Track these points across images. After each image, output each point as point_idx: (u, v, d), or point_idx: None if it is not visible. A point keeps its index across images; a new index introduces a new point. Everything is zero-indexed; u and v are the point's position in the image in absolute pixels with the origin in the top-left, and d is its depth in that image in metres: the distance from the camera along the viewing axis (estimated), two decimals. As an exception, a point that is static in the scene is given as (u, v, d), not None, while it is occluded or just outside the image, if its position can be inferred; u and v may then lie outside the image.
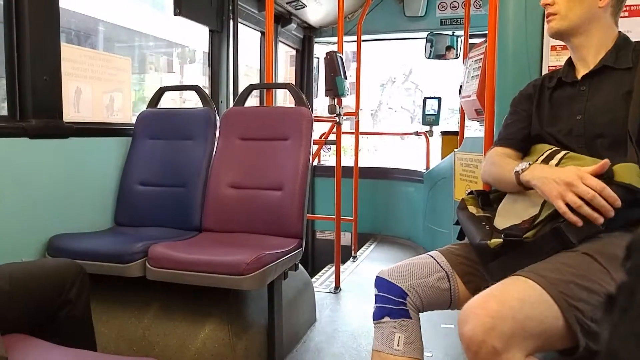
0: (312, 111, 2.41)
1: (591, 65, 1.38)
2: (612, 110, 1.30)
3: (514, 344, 0.98)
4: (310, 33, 4.96)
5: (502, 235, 1.25)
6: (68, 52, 2.25)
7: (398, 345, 1.26)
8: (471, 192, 1.53)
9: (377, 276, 1.37)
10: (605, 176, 1.13)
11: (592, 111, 1.35)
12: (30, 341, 1.22)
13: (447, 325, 2.61)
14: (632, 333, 0.30)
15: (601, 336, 0.31)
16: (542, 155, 1.37)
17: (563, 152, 1.32)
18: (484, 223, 1.39)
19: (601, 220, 1.09)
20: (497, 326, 0.97)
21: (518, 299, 1.02)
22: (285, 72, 5.58)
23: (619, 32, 1.39)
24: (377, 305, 1.33)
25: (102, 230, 2.31)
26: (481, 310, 1.00)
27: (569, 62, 1.46)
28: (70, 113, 2.28)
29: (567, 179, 1.11)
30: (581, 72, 1.41)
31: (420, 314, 1.34)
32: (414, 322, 1.30)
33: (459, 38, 4.53)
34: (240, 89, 2.88)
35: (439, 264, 1.37)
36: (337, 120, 3.22)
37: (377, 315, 1.32)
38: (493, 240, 1.27)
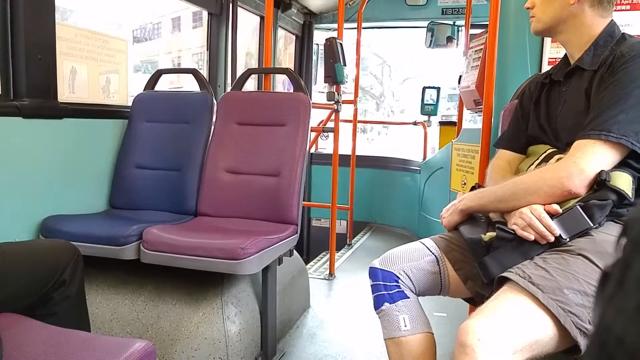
0: (310, 97, 2.39)
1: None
2: (580, 113, 1.28)
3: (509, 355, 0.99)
4: (310, 19, 4.93)
5: (496, 228, 1.26)
6: (63, 31, 2.22)
7: (406, 326, 1.28)
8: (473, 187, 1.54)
9: (369, 267, 1.39)
10: (602, 179, 1.15)
11: (564, 114, 1.35)
12: (24, 321, 1.22)
13: (440, 313, 2.63)
14: (627, 307, 0.30)
15: (594, 312, 0.31)
16: (539, 158, 1.38)
17: (559, 155, 1.31)
18: (480, 215, 1.41)
19: (531, 237, 1.18)
20: (492, 345, 0.99)
21: (511, 316, 1.03)
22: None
23: (610, 24, 1.33)
24: (374, 295, 1.34)
25: (96, 213, 2.30)
26: (474, 334, 1.00)
27: (565, 58, 1.44)
28: (65, 93, 2.26)
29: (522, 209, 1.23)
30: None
31: None
32: (412, 300, 1.32)
33: (459, 28, 4.51)
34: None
35: (429, 249, 1.39)
36: (336, 108, 3.21)
37: (377, 305, 1.33)
38: (487, 234, 1.28)
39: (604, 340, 0.31)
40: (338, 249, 3.86)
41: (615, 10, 1.38)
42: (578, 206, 1.17)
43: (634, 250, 0.31)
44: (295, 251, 2.33)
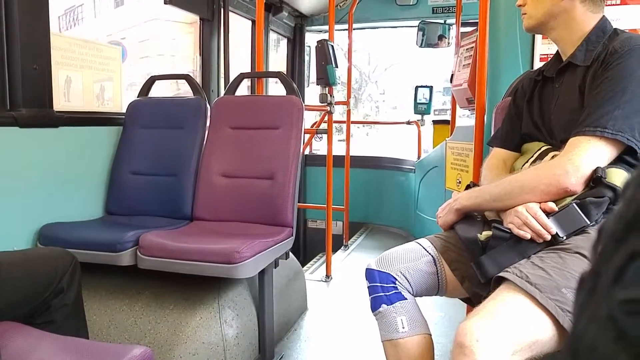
0: (303, 100, 2.40)
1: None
2: (574, 110, 1.28)
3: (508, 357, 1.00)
4: (301, 22, 4.94)
5: (492, 227, 1.26)
6: (58, 41, 2.24)
7: (404, 328, 1.27)
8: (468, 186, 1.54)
9: (366, 268, 1.38)
10: (598, 176, 1.15)
11: (558, 110, 1.35)
12: (22, 329, 1.23)
13: (437, 313, 2.64)
14: (597, 315, 0.30)
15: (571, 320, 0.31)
16: (534, 155, 1.38)
17: (554, 152, 1.31)
18: (476, 214, 1.41)
19: (528, 236, 1.18)
20: (491, 345, 0.99)
21: (510, 316, 1.03)
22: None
23: (602, 20, 1.33)
24: (371, 296, 1.34)
25: (93, 219, 2.31)
26: (472, 335, 1.00)
27: (557, 54, 1.44)
28: (61, 102, 2.27)
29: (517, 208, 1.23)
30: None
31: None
32: (410, 301, 1.31)
33: (450, 26, 4.52)
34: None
35: (425, 249, 1.38)
36: (329, 109, 3.23)
37: (374, 307, 1.32)
38: (484, 233, 1.28)
39: (577, 348, 0.31)
40: (334, 250, 3.86)
41: (605, 5, 1.39)
42: (574, 204, 1.17)
43: (604, 260, 0.32)
44: (291, 253, 2.34)
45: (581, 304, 0.33)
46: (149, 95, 2.61)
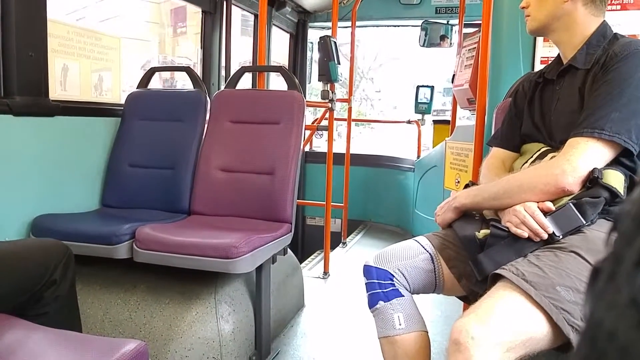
0: (304, 96, 2.38)
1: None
2: (574, 112, 1.29)
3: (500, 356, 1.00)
4: (304, 17, 4.92)
5: (490, 226, 1.26)
6: (55, 28, 2.21)
7: (400, 324, 1.28)
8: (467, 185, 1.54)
9: (364, 265, 1.38)
10: (594, 176, 1.17)
11: (558, 112, 1.36)
12: (14, 321, 1.21)
13: (434, 311, 2.63)
14: (618, 301, 0.29)
15: (585, 308, 0.30)
16: (533, 156, 1.38)
17: (553, 153, 1.32)
18: (474, 212, 1.41)
19: (525, 235, 1.19)
20: (485, 342, 0.99)
21: (505, 314, 1.03)
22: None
23: (602, 24, 1.34)
24: (369, 293, 1.34)
25: (88, 212, 2.29)
26: (467, 332, 1.01)
27: (558, 57, 1.45)
28: (57, 91, 2.24)
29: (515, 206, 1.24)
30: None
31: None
32: (407, 298, 1.32)
33: (453, 27, 4.51)
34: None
35: (423, 246, 1.39)
36: (330, 106, 3.21)
37: (371, 303, 1.33)
38: (482, 232, 1.29)
39: (595, 336, 0.30)
40: (332, 247, 3.85)
41: (606, 10, 1.39)
42: (571, 204, 1.18)
43: (625, 243, 0.30)
44: (289, 250, 2.32)
45: (599, 291, 0.31)
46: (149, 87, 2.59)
